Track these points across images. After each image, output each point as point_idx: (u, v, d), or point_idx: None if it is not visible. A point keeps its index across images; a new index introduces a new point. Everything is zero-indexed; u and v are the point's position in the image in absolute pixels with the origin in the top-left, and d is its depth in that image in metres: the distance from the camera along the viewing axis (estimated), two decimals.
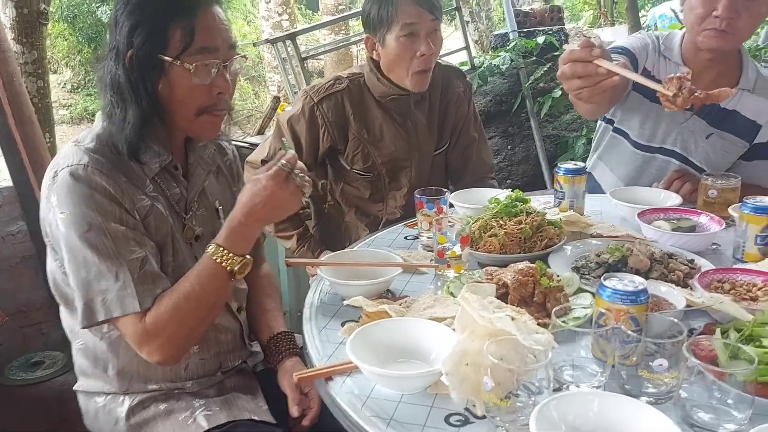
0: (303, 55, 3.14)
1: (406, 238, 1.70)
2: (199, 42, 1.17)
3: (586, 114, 1.85)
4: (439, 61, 2.01)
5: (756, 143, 1.87)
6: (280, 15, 7.44)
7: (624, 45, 1.86)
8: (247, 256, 1.21)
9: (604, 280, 1.05)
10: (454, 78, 2.05)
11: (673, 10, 5.65)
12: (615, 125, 1.99)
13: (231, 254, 1.18)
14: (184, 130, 1.29)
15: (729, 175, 1.69)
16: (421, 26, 1.77)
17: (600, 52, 1.31)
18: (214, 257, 1.18)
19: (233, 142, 2.08)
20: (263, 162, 1.98)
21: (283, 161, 1.19)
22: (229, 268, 1.18)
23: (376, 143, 1.93)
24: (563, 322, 1.07)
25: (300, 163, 1.22)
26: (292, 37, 2.98)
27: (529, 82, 3.74)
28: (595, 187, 2.10)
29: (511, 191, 1.62)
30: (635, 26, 2.97)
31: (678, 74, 1.31)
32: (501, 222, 1.48)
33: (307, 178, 1.23)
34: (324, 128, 1.89)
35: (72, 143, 1.21)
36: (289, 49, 3.06)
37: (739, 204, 1.44)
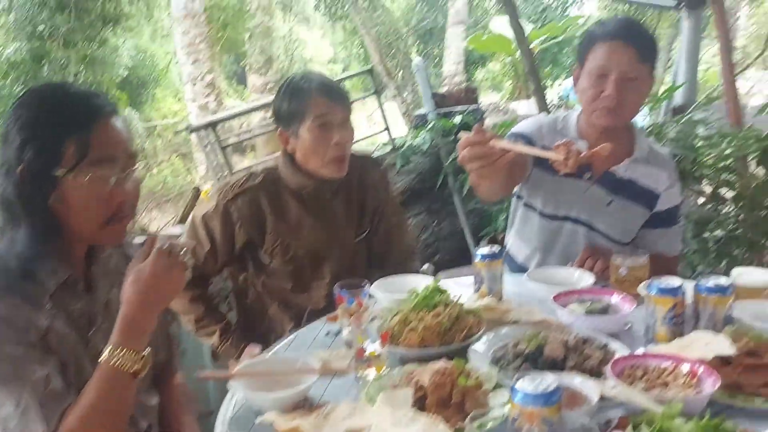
0: (225, 143, 3.14)
1: (327, 334, 1.66)
2: (94, 154, 1.15)
3: (486, 196, 1.90)
4: (353, 151, 2.04)
5: (656, 211, 1.98)
6: (206, 96, 7.47)
7: (519, 131, 1.99)
8: (147, 350, 1.15)
9: (516, 382, 1.04)
10: (370, 166, 2.09)
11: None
12: (524, 200, 2.08)
13: (128, 351, 1.12)
14: (89, 240, 1.25)
15: (637, 253, 1.75)
16: (332, 117, 1.82)
17: (491, 134, 1.43)
18: (111, 361, 1.11)
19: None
20: None
21: (162, 243, 1.16)
22: (128, 369, 1.12)
23: (295, 235, 1.92)
24: (479, 426, 1.05)
25: (179, 242, 1.20)
26: (213, 125, 2.99)
27: (450, 160, 3.86)
28: (513, 263, 2.14)
29: (433, 275, 1.63)
30: (541, 102, 3.13)
31: (564, 141, 1.47)
32: (420, 315, 1.47)
33: (188, 254, 1.21)
34: (239, 224, 1.88)
35: None
36: (210, 136, 3.06)
37: (648, 282, 1.48)
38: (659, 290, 1.42)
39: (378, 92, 3.64)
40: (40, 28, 10.39)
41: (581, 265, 1.88)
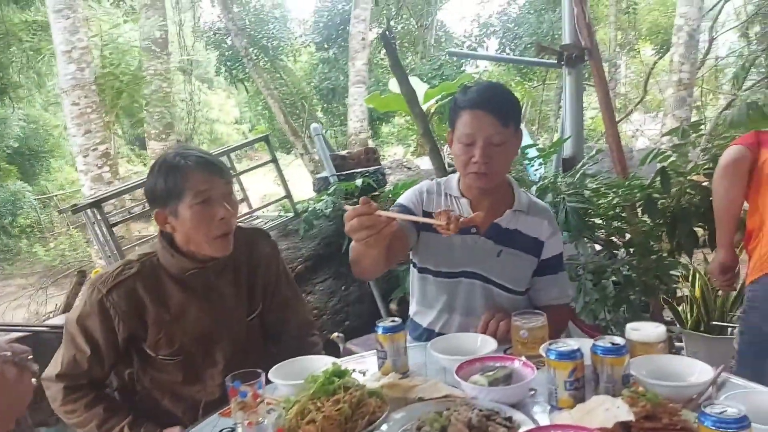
0: (112, 221, 2.96)
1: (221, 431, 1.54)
2: None
3: (366, 271, 1.89)
4: (240, 224, 1.96)
5: (543, 259, 2.06)
6: (99, 168, 7.16)
7: (400, 202, 2.08)
8: None
9: None
10: (259, 239, 2.00)
11: None
12: (418, 266, 2.10)
13: None
14: None
15: (536, 313, 1.76)
16: (214, 192, 1.73)
17: (376, 206, 1.52)
18: None
19: (33, 328, 1.83)
20: (59, 377, 1.76)
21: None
22: None
23: (179, 324, 1.79)
24: None
25: (22, 347, 1.09)
26: (97, 204, 2.81)
27: None
28: (419, 329, 2.13)
29: (344, 343, 1.56)
30: (437, 161, 3.19)
31: (443, 209, 1.65)
32: (319, 404, 1.39)
33: (31, 358, 1.10)
34: (118, 320, 1.73)
35: None
36: (95, 215, 2.87)
37: (546, 346, 1.47)
38: (558, 355, 1.42)
39: (274, 160, 3.58)
40: None
41: (484, 330, 1.86)
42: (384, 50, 14.89)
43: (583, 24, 3.65)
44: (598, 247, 3.13)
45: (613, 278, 2.85)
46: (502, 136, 1.87)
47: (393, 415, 1.42)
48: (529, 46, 11.66)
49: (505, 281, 2.03)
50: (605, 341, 1.44)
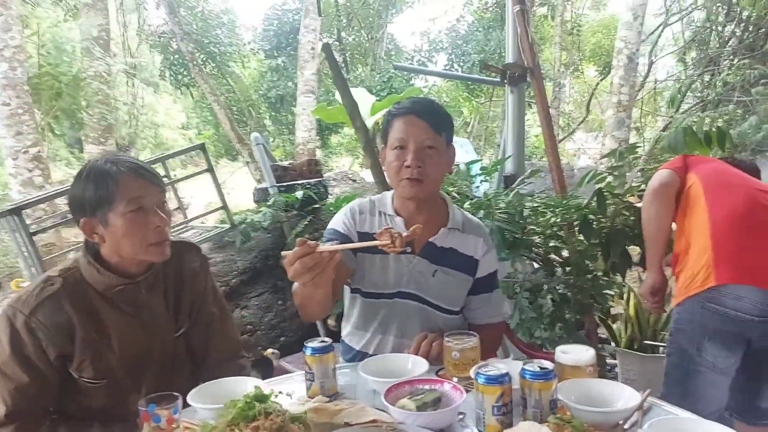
0: (32, 229, 2.80)
1: None
2: None
3: (315, 312, 1.85)
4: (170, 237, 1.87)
5: (477, 277, 2.06)
6: (30, 171, 6.84)
7: (333, 227, 2.06)
8: None
9: None
10: (187, 253, 1.91)
11: None
12: (352, 287, 2.07)
13: None
14: None
15: (468, 334, 1.74)
16: (149, 199, 1.66)
17: (314, 243, 1.50)
18: None
19: None
20: (8, 416, 1.62)
21: None
22: None
23: (107, 344, 1.69)
24: None
25: None
26: (16, 211, 2.65)
27: (293, 234, 3.77)
28: (351, 351, 2.10)
29: (279, 359, 1.50)
30: (378, 175, 3.16)
31: (384, 227, 1.64)
32: (236, 430, 1.32)
33: None
34: (46, 341, 1.62)
35: None
36: (13, 222, 2.70)
37: (475, 369, 1.45)
38: (487, 379, 1.39)
39: (211, 169, 3.47)
40: None
41: (416, 351, 1.83)
42: (336, 58, 14.90)
43: (526, 44, 3.71)
44: (536, 265, 3.15)
45: (550, 296, 2.87)
46: (434, 141, 1.89)
47: None
48: (476, 62, 11.83)
49: (441, 301, 2.01)
50: (534, 365, 1.43)
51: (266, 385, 1.56)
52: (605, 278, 2.91)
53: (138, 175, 1.65)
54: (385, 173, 2.05)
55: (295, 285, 1.76)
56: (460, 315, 2.09)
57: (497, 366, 1.44)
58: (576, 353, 1.62)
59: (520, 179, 3.25)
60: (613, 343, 3.81)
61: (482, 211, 2.85)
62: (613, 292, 3.07)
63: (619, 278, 2.98)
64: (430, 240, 2.00)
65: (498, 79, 3.94)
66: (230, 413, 1.37)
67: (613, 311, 3.70)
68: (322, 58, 13.85)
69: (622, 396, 1.47)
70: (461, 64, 12.95)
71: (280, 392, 1.63)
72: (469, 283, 2.05)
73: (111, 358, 1.69)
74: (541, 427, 1.28)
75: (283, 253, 1.56)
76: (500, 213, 2.75)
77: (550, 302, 2.93)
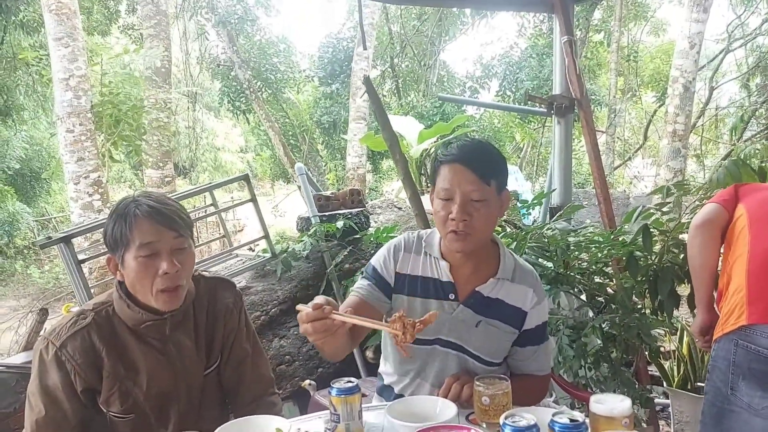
0: (81, 257, 2.90)
1: None
2: None
3: (331, 357, 1.85)
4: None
5: (525, 329, 1.94)
6: (90, 195, 7.13)
7: (372, 264, 2.00)
8: None
9: None
10: (221, 290, 1.92)
11: None
12: None
13: None
14: None
15: (499, 378, 1.68)
16: (161, 245, 1.64)
17: (329, 309, 1.51)
18: None
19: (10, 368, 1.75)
20: None
21: None
22: None
23: (134, 378, 1.71)
24: None
25: None
26: (66, 240, 2.76)
27: (333, 264, 3.78)
28: (388, 391, 2.04)
29: (316, 390, 1.50)
30: (418, 207, 3.13)
31: (396, 314, 1.54)
32: None
33: None
34: (74, 373, 1.65)
35: None
36: (65, 250, 2.82)
37: (503, 419, 1.40)
38: (514, 430, 1.34)
39: (253, 199, 3.53)
40: None
41: (446, 394, 1.78)
42: (388, 85, 15.05)
43: (573, 75, 3.64)
44: (576, 304, 3.05)
45: (594, 335, 2.77)
46: (482, 193, 1.78)
47: None
48: (529, 90, 11.73)
49: (482, 353, 1.92)
50: (564, 417, 1.37)
51: (291, 424, 1.56)
52: (653, 317, 2.79)
53: (153, 219, 1.64)
54: (433, 219, 1.94)
55: None
56: (501, 366, 1.98)
57: (525, 416, 1.39)
58: (611, 403, 1.55)
59: (558, 214, 3.16)
60: (665, 383, 3.65)
61: (514, 243, 2.79)
62: (662, 332, 2.94)
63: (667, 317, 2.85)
64: (477, 289, 1.91)
65: (544, 110, 3.88)
66: None
67: (665, 349, 3.54)
68: (376, 85, 14.04)
69: None
70: (514, 90, 12.85)
71: (307, 431, 1.63)
72: (514, 335, 1.94)
73: (138, 393, 1.71)
74: None
75: (298, 306, 1.57)
76: (538, 246, 2.68)
77: (596, 340, 2.82)
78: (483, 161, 1.81)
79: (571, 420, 1.35)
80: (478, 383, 1.66)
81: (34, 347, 1.72)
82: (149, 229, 1.62)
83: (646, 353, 3.21)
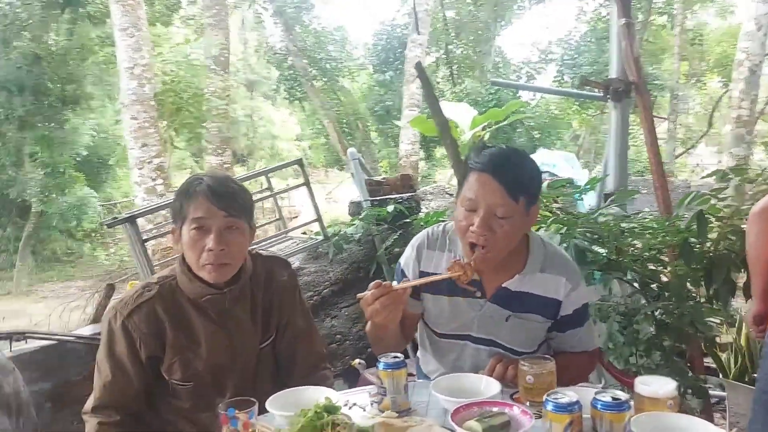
0: (144, 237, 3.07)
1: None
2: None
3: (386, 350, 1.78)
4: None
5: (562, 316, 1.91)
6: (153, 180, 7.44)
7: (401, 267, 2.01)
8: None
9: None
10: (277, 268, 2.00)
11: None
12: (426, 322, 2.03)
13: None
14: None
15: (544, 358, 1.70)
16: (210, 222, 1.72)
17: (388, 283, 1.64)
18: None
19: (59, 337, 1.88)
20: (94, 409, 1.78)
21: None
22: None
23: (195, 349, 1.81)
24: None
25: None
26: (131, 220, 2.92)
27: (383, 248, 3.84)
28: (423, 374, 2.10)
29: (366, 369, 1.59)
30: None
31: (453, 260, 1.73)
32: None
33: None
34: (139, 341, 1.76)
35: None
36: (129, 230, 2.98)
37: (546, 396, 1.42)
38: (555, 406, 1.37)
39: (307, 183, 3.63)
40: None
41: (490, 373, 1.81)
42: (442, 72, 14.98)
43: (630, 58, 3.56)
44: (628, 290, 3.01)
45: (646, 322, 2.73)
46: (507, 209, 1.70)
47: None
48: (588, 75, 11.46)
49: (515, 345, 1.91)
50: (606, 395, 1.38)
51: (340, 396, 1.63)
52: (708, 305, 2.73)
53: (208, 198, 1.72)
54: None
55: (368, 326, 1.87)
56: (536, 352, 1.96)
57: (568, 393, 1.41)
58: (656, 385, 1.55)
59: (610, 199, 3.12)
60: (721, 375, 3.56)
61: (564, 228, 2.76)
62: (717, 320, 2.87)
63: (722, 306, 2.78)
64: (504, 285, 1.87)
65: (600, 95, 3.81)
66: (300, 422, 1.44)
67: (721, 340, 3.45)
68: (431, 71, 13.99)
69: None
70: (572, 76, 12.59)
71: (354, 404, 1.69)
72: (547, 324, 1.92)
73: (198, 362, 1.81)
74: None
75: (359, 295, 1.65)
76: (589, 232, 2.66)
77: (648, 328, 2.78)
78: (514, 175, 1.71)
79: (614, 398, 1.37)
80: (523, 363, 1.68)
81: (103, 317, 1.84)
82: (203, 206, 1.72)
83: (702, 343, 3.14)
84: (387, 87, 13.84)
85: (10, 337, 2.54)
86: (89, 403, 1.81)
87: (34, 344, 2.68)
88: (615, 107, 3.78)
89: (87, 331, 2.88)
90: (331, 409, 1.48)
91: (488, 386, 1.74)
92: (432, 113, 3.12)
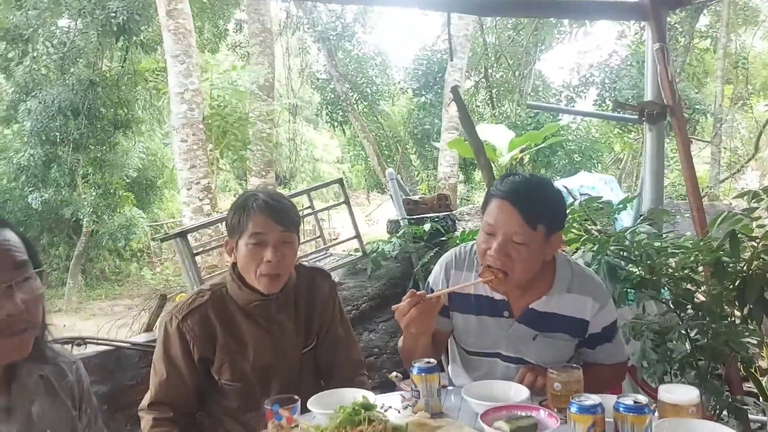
0: (195, 251, 3.26)
1: None
2: None
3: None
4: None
5: (591, 334, 1.98)
6: (201, 200, 7.73)
7: (430, 285, 2.11)
8: None
9: None
10: (319, 279, 2.14)
11: (565, 187, 6.19)
12: (455, 339, 2.13)
13: None
14: None
15: (571, 367, 1.77)
16: (269, 236, 1.88)
17: (422, 293, 1.78)
18: None
19: (116, 343, 2.04)
20: (150, 406, 1.94)
21: None
22: None
23: (243, 352, 1.95)
24: None
25: None
26: (183, 235, 3.11)
27: (420, 264, 3.95)
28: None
29: (403, 380, 1.69)
30: None
31: (482, 266, 1.82)
32: None
33: None
34: (192, 343, 1.92)
35: None
36: (180, 244, 3.18)
37: (570, 399, 1.50)
38: (579, 408, 1.45)
39: (347, 202, 3.79)
40: (53, 134, 10.92)
41: (521, 381, 1.88)
42: (482, 95, 15.08)
43: (665, 82, 3.62)
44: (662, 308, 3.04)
45: (679, 342, 2.75)
46: (525, 236, 1.76)
47: None
48: (630, 99, 11.40)
49: (543, 362, 1.94)
50: (628, 399, 1.45)
51: (376, 399, 1.73)
52: (743, 325, 2.74)
53: (265, 214, 1.88)
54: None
55: (401, 342, 2.03)
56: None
57: (592, 397, 1.49)
58: (679, 393, 1.61)
59: (641, 218, 3.17)
60: (761, 398, 3.51)
61: (595, 247, 2.82)
62: (754, 341, 2.87)
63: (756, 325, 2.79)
64: (531, 306, 1.93)
65: (635, 117, 3.87)
66: (339, 417, 1.55)
67: (758, 364, 3.42)
68: (469, 96, 14.11)
69: None
70: (611, 99, 12.54)
71: (390, 407, 1.79)
72: (575, 342, 1.99)
73: (245, 364, 1.95)
74: None
75: (394, 307, 1.77)
76: (620, 250, 2.71)
77: (682, 346, 2.80)
78: (533, 204, 1.78)
79: (636, 402, 1.44)
80: (551, 371, 1.76)
81: (159, 321, 2.01)
82: (261, 221, 1.88)
83: (739, 365, 3.13)
84: (426, 110, 14.01)
85: (72, 341, 2.74)
86: (145, 401, 1.96)
87: (92, 350, 2.87)
88: (650, 130, 3.83)
89: (141, 338, 3.07)
90: (368, 406, 1.58)
91: (517, 392, 1.82)
92: (467, 135, 3.24)
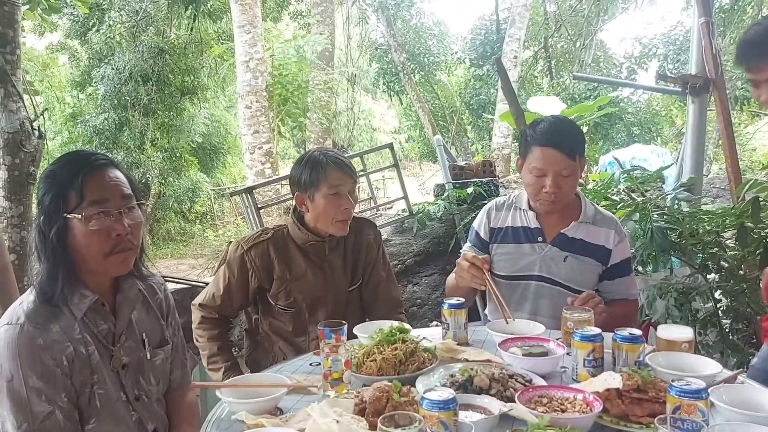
0: (259, 205, 3.60)
1: (311, 364, 1.99)
2: (88, 197, 1.43)
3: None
4: (354, 214, 2.42)
5: (612, 264, 2.29)
6: (263, 164, 8.15)
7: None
8: None
9: (425, 393, 1.32)
10: (366, 227, 2.45)
11: (615, 158, 6.27)
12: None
13: None
14: (100, 271, 1.51)
15: (584, 309, 2.01)
16: (343, 187, 2.20)
17: (488, 266, 2.19)
18: None
19: (192, 282, 2.40)
20: (200, 305, 2.33)
21: None
22: None
23: (297, 282, 2.28)
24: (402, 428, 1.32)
25: None
26: (250, 191, 3.45)
27: (462, 225, 4.20)
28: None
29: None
30: None
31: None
32: (381, 348, 1.79)
33: None
34: (252, 271, 2.26)
35: (17, 301, 1.48)
36: (248, 200, 3.54)
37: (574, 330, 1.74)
38: (581, 337, 1.69)
39: (396, 165, 4.06)
40: (125, 99, 11.47)
41: (582, 303, 2.08)
42: (540, 66, 14.93)
43: (709, 55, 3.72)
44: (687, 270, 3.20)
45: (701, 302, 2.92)
46: (569, 168, 2.16)
47: (439, 367, 1.78)
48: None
49: (572, 283, 2.28)
50: (625, 331, 1.70)
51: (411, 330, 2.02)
52: None
53: (339, 168, 2.20)
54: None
55: (450, 278, 2.36)
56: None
57: (593, 329, 1.73)
58: (674, 330, 1.84)
59: (675, 186, 3.32)
60: None
61: (637, 214, 3.01)
62: None
63: None
64: (562, 231, 2.29)
65: (678, 89, 3.97)
66: (378, 336, 1.85)
67: None
68: (527, 67, 14.00)
69: (707, 368, 1.65)
70: (675, 72, 12.24)
71: (424, 338, 2.08)
72: (600, 268, 2.29)
73: (298, 293, 2.29)
74: (616, 375, 1.56)
75: (465, 248, 2.26)
76: (661, 214, 2.89)
77: (707, 306, 2.96)
78: (568, 141, 2.17)
79: (631, 333, 1.68)
80: (565, 311, 2.01)
81: (227, 247, 2.36)
82: (337, 175, 2.19)
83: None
84: (483, 81, 14.02)
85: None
86: (198, 299, 2.36)
87: (172, 287, 3.25)
88: (693, 102, 3.93)
89: (208, 279, 3.44)
90: (402, 330, 1.88)
91: (534, 329, 2.08)
92: (509, 104, 3.44)
